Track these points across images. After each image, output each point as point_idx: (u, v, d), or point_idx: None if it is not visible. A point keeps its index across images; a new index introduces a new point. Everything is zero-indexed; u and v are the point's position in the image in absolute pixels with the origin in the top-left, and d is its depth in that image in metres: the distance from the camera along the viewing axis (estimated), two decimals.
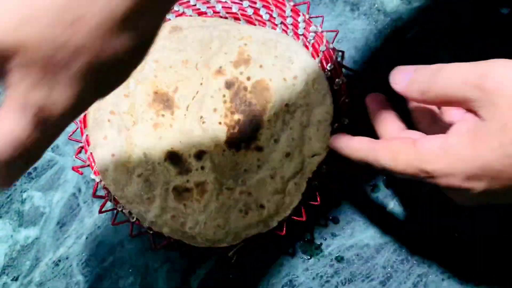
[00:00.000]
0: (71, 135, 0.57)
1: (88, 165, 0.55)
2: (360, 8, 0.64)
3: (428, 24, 0.62)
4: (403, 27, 0.62)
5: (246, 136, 0.53)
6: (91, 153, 0.55)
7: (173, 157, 0.53)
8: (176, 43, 0.56)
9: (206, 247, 0.51)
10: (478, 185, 0.36)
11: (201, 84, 0.55)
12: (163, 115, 0.54)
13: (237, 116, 0.54)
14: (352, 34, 0.63)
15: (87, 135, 0.55)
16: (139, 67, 0.55)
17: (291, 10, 0.57)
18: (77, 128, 0.56)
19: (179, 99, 0.55)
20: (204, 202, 0.51)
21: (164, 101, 0.55)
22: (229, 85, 0.55)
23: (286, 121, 0.53)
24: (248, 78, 0.55)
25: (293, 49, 0.55)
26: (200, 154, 0.53)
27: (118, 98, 0.54)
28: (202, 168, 0.52)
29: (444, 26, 0.61)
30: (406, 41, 0.62)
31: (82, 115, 0.56)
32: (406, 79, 0.41)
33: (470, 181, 0.36)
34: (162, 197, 0.51)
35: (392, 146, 0.40)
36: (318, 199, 0.53)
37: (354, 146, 0.44)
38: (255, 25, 0.58)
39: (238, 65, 0.55)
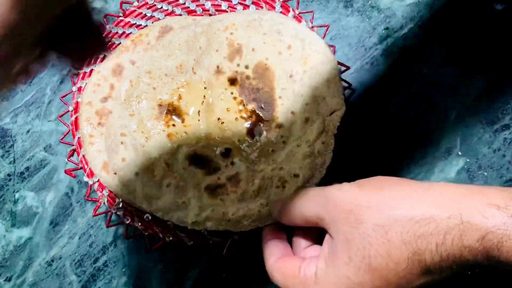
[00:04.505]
0: (62, 138, 0.56)
1: (81, 168, 0.55)
2: (353, 5, 0.63)
3: (422, 21, 0.61)
4: (397, 23, 0.62)
5: (266, 120, 0.53)
6: (83, 155, 0.54)
7: (197, 160, 0.52)
8: (162, 49, 0.55)
9: (253, 228, 0.49)
10: None
11: (205, 88, 0.55)
12: (174, 125, 0.53)
13: (250, 106, 0.54)
14: (346, 31, 0.62)
15: (79, 137, 0.55)
16: (134, 84, 0.54)
17: (281, 6, 0.57)
18: (69, 131, 0.56)
19: (186, 105, 0.54)
20: (241, 191, 0.50)
21: (171, 111, 0.54)
22: (232, 81, 0.54)
23: (296, 91, 0.53)
24: (247, 67, 0.54)
25: (279, 21, 0.55)
26: (226, 152, 0.52)
27: (124, 120, 0.53)
28: (232, 163, 0.52)
29: (438, 22, 0.61)
30: (400, 37, 0.61)
31: (73, 117, 0.56)
32: (278, 208, 0.46)
33: None
34: (196, 197, 0.50)
35: (284, 269, 0.42)
36: None
37: (266, 249, 0.46)
38: None
39: (233, 58, 0.55)
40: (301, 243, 0.46)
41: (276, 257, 0.44)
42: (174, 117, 0.54)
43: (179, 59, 0.55)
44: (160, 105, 0.54)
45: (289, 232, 0.48)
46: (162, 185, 0.51)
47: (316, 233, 0.45)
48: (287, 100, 0.53)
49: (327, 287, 0.38)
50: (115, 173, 0.52)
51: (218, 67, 0.55)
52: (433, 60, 0.60)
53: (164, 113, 0.54)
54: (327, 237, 0.41)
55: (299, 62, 0.53)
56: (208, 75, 0.55)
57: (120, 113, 0.54)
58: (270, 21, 0.55)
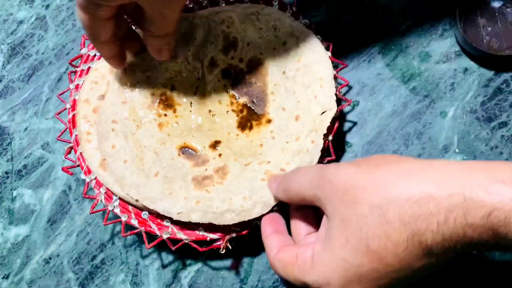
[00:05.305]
0: (60, 135, 0.56)
1: (78, 165, 0.55)
2: (351, 1, 0.63)
3: (420, 17, 0.61)
4: (395, 20, 0.61)
5: (256, 115, 0.53)
6: (80, 153, 0.54)
7: (187, 151, 0.52)
8: None
9: (237, 223, 0.49)
10: None
11: (198, 79, 0.55)
12: (165, 115, 0.54)
13: (242, 100, 0.54)
14: (343, 28, 0.62)
15: (76, 135, 0.55)
16: (128, 71, 0.54)
17: (278, 3, 0.57)
18: (66, 129, 0.56)
19: (178, 96, 0.55)
20: (227, 183, 0.50)
21: (163, 100, 0.54)
22: (226, 74, 0.55)
23: (289, 88, 0.53)
24: (241, 60, 0.55)
25: (276, 17, 0.55)
26: (215, 145, 0.53)
27: (116, 107, 0.53)
28: (220, 155, 0.52)
29: (436, 19, 0.61)
30: (397, 34, 0.61)
31: (71, 115, 0.56)
32: (276, 184, 0.46)
33: None
34: (183, 188, 0.50)
35: (283, 259, 0.41)
36: (333, 154, 0.53)
37: (266, 244, 0.45)
38: None
39: (227, 51, 0.55)
40: (301, 230, 0.45)
41: (277, 250, 0.43)
42: (166, 107, 0.54)
43: (174, 49, 0.55)
44: (153, 94, 0.54)
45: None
46: (150, 174, 0.51)
47: (315, 219, 0.45)
48: (279, 97, 0.53)
49: (324, 271, 0.37)
50: (104, 159, 0.52)
51: (212, 59, 0.55)
52: (431, 57, 0.60)
53: (157, 102, 0.54)
54: (324, 218, 0.39)
55: (293, 59, 0.53)
56: (202, 67, 0.55)
57: (113, 100, 0.54)
58: (267, 17, 0.55)
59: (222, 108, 0.54)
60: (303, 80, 0.52)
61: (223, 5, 0.58)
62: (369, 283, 0.36)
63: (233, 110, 0.54)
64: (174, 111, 0.54)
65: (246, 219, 0.48)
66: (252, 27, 0.55)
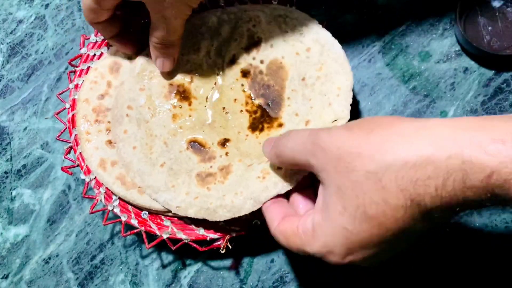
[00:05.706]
0: (59, 135, 0.56)
1: (78, 165, 0.55)
2: (351, 1, 0.63)
3: (420, 17, 0.61)
4: (395, 20, 0.61)
5: (269, 118, 0.53)
6: (80, 153, 0.54)
7: (196, 146, 0.52)
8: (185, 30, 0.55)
9: (228, 219, 0.48)
10: (355, 258, 0.36)
11: (217, 74, 0.55)
12: (180, 107, 0.54)
13: (257, 101, 0.53)
14: (343, 28, 0.62)
15: (75, 135, 0.55)
16: (149, 59, 0.54)
17: (278, 2, 0.57)
18: (66, 128, 0.56)
19: (195, 89, 0.55)
20: (228, 182, 0.50)
21: (180, 92, 0.54)
22: (245, 73, 0.54)
23: (306, 95, 0.52)
24: (262, 61, 0.54)
25: (303, 22, 0.55)
26: (224, 142, 0.52)
27: (134, 93, 0.54)
28: (227, 154, 0.52)
29: (436, 18, 0.61)
30: (397, 34, 0.61)
31: (70, 115, 0.56)
32: (269, 148, 0.44)
33: (347, 256, 0.36)
34: (186, 183, 0.50)
35: (285, 230, 0.41)
36: None
37: (267, 215, 0.45)
38: None
39: (250, 51, 0.55)
40: (299, 210, 0.44)
41: (278, 221, 0.42)
42: (182, 99, 0.54)
43: (198, 42, 0.55)
44: (171, 84, 0.54)
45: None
46: (157, 164, 0.51)
47: (313, 198, 0.44)
48: (295, 103, 0.52)
49: (325, 240, 0.37)
50: (115, 143, 0.53)
51: (234, 56, 0.55)
52: (431, 56, 0.60)
53: (174, 93, 0.54)
54: (320, 187, 0.39)
55: (314, 67, 0.53)
56: (222, 63, 0.55)
57: (131, 86, 0.54)
58: (295, 21, 0.54)
59: (236, 107, 0.54)
60: (321, 89, 0.52)
61: (222, 3, 0.58)
62: (372, 248, 0.35)
63: (247, 110, 0.53)
64: (190, 104, 0.54)
65: (237, 215, 0.48)
66: (278, 30, 0.54)
